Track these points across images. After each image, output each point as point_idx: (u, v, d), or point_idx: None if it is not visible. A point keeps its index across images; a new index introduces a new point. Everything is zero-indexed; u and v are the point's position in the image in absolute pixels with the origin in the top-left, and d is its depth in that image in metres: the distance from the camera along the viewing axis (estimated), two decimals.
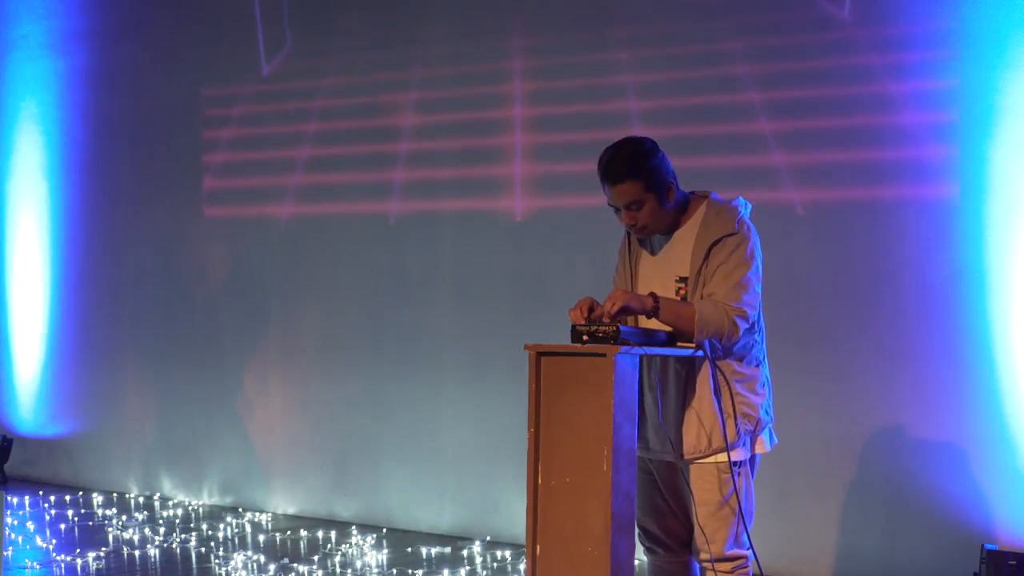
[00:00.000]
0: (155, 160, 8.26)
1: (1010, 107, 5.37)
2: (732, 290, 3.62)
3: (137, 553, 6.44)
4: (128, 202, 8.41)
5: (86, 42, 8.57)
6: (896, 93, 5.65)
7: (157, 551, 6.49)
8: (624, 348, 3.41)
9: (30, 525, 7.12)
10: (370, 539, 6.74)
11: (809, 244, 5.85)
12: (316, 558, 6.34)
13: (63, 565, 6.14)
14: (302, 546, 6.68)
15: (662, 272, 3.78)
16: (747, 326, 3.65)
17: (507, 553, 6.36)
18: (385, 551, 6.46)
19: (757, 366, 3.75)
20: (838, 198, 5.81)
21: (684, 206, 3.78)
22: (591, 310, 3.59)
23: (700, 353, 3.60)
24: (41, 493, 8.16)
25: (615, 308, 3.49)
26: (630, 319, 3.73)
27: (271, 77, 7.68)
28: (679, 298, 3.71)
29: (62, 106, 8.70)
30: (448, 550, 6.52)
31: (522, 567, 6.03)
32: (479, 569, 6.12)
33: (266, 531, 7.09)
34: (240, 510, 7.66)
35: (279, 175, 7.64)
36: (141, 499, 8.06)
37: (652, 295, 3.57)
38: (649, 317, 3.57)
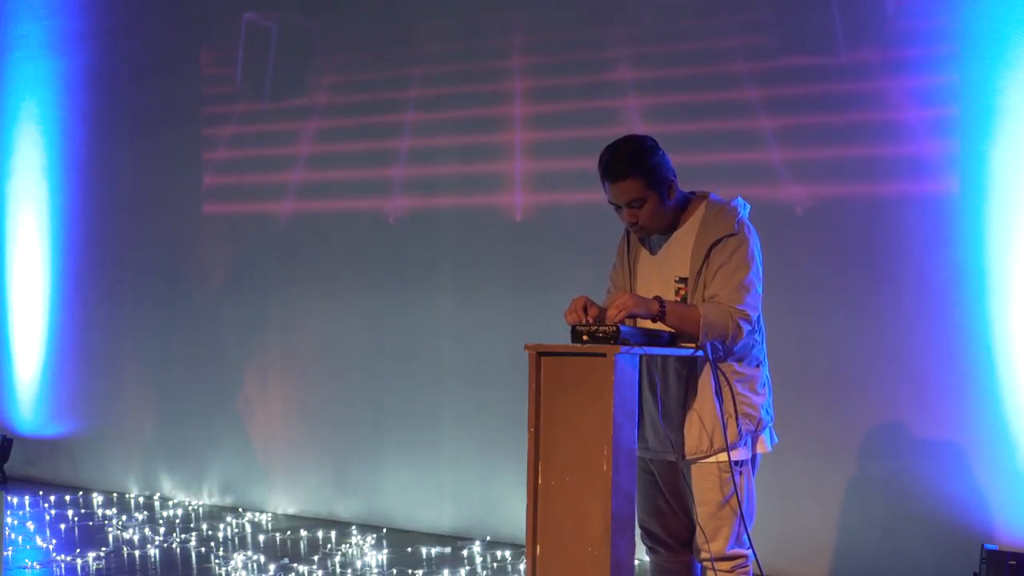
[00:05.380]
0: (155, 160, 8.26)
1: (1010, 107, 5.37)
2: (735, 292, 3.62)
3: (137, 553, 6.44)
4: (128, 202, 8.41)
5: (86, 42, 8.57)
6: (896, 92, 5.64)
7: (157, 551, 6.49)
8: (624, 348, 3.41)
9: (30, 525, 7.11)
10: (370, 539, 6.74)
11: (809, 244, 5.84)
12: (316, 558, 6.34)
13: (63, 565, 6.14)
14: (302, 546, 6.68)
15: (661, 272, 3.78)
16: (750, 328, 3.65)
17: (507, 553, 6.36)
18: (385, 551, 6.46)
19: (757, 366, 3.75)
20: (838, 198, 5.81)
21: (684, 206, 3.78)
22: (585, 310, 3.59)
23: (700, 353, 3.60)
24: (41, 493, 8.16)
25: (620, 316, 3.49)
26: (628, 319, 3.73)
27: (270, 77, 7.68)
28: (678, 299, 3.71)
29: (62, 106, 8.70)
30: (448, 550, 6.52)
31: (522, 567, 6.03)
32: (479, 569, 6.12)
33: (266, 531, 7.09)
34: (240, 510, 7.66)
35: (279, 175, 7.63)
36: (141, 499, 8.06)
37: (658, 299, 3.57)
38: (655, 321, 3.57)
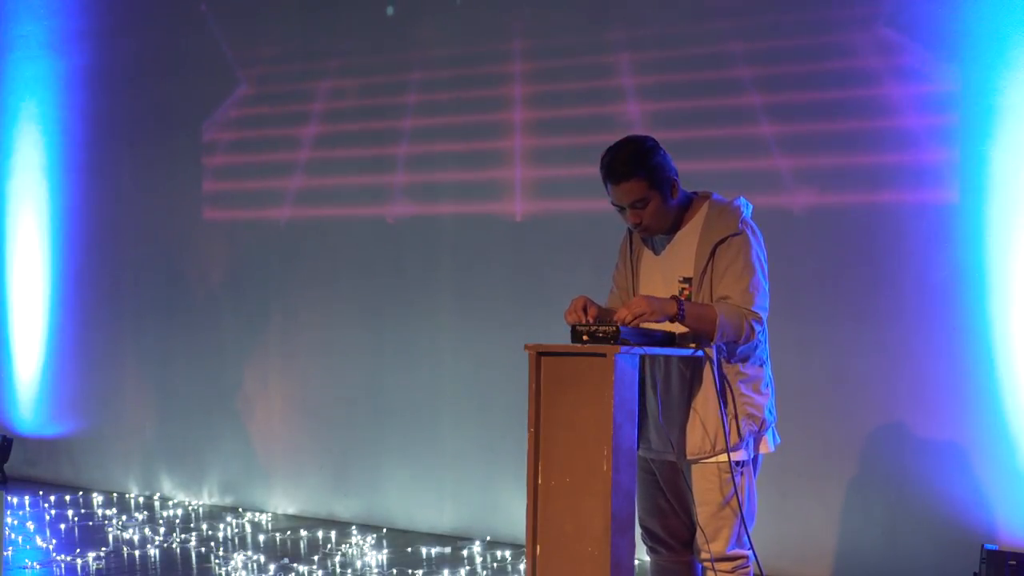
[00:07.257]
0: (155, 160, 8.25)
1: (1010, 107, 5.37)
2: (746, 293, 3.63)
3: (137, 553, 6.44)
4: (128, 202, 8.40)
5: (86, 42, 8.57)
6: (896, 94, 5.64)
7: (157, 551, 6.49)
8: (624, 348, 3.41)
9: (30, 525, 7.11)
10: (370, 539, 6.74)
11: (809, 245, 5.84)
12: (316, 558, 6.34)
13: (63, 565, 6.14)
14: (302, 546, 6.68)
15: (664, 272, 3.78)
16: (761, 328, 3.66)
17: (507, 553, 6.36)
18: (385, 551, 6.46)
19: (761, 366, 3.75)
20: (838, 199, 5.81)
21: (686, 206, 3.78)
22: (585, 310, 3.59)
23: (700, 353, 3.60)
24: (41, 493, 8.15)
25: (635, 323, 3.47)
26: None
27: (271, 78, 7.68)
28: (683, 298, 3.71)
29: (62, 106, 8.70)
30: (448, 550, 6.52)
31: (522, 567, 6.03)
32: (479, 569, 6.12)
33: (266, 531, 7.09)
34: (240, 510, 7.66)
35: (279, 175, 7.63)
36: (141, 499, 8.06)
37: (675, 299, 3.56)
38: (672, 322, 3.56)
